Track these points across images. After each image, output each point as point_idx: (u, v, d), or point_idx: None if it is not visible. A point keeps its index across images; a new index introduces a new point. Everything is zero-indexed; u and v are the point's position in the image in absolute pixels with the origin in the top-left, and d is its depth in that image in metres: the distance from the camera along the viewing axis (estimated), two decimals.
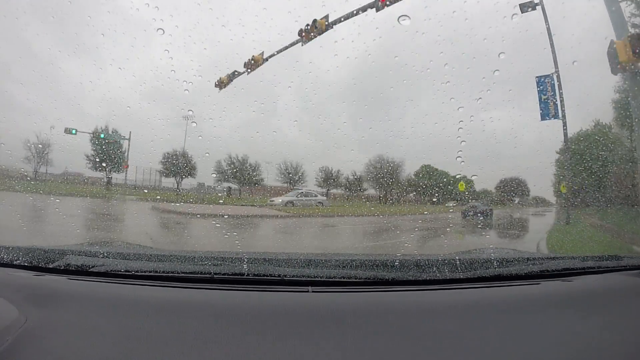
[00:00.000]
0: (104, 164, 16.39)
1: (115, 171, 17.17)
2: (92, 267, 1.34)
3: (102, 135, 15.65)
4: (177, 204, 11.56)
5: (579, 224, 10.91)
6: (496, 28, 5.71)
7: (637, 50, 4.51)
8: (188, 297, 1.19)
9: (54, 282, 1.27)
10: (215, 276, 1.28)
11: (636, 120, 5.32)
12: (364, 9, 7.70)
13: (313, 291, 1.24)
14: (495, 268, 1.44)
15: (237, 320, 1.05)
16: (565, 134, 9.38)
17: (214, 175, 17.23)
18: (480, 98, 4.70)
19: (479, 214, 12.47)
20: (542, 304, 1.23)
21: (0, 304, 1.03)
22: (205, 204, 11.61)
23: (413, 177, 18.45)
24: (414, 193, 17.39)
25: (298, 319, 1.06)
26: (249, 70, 8.76)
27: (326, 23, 8.17)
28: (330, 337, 0.98)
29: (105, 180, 17.24)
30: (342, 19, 8.05)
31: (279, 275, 1.28)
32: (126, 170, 17.17)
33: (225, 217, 6.93)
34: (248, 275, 1.28)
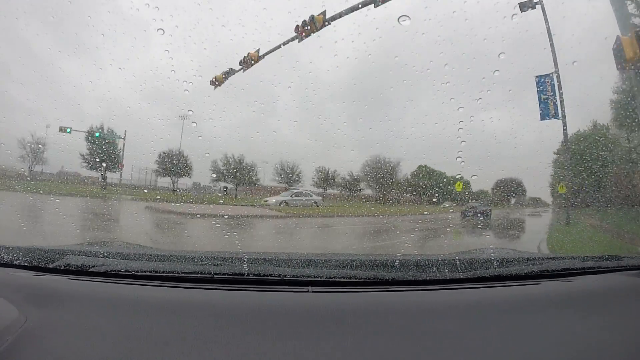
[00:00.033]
0: (99, 163, 16.30)
1: (110, 170, 17.11)
2: (92, 267, 1.33)
3: (97, 134, 15.55)
4: (175, 204, 11.53)
5: (579, 224, 10.92)
6: (496, 28, 5.72)
7: None
8: (188, 297, 1.19)
9: (54, 282, 1.27)
10: (215, 276, 1.28)
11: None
12: (364, 4, 7.68)
13: (313, 291, 1.24)
14: (496, 268, 1.44)
15: (237, 320, 1.05)
16: (565, 134, 9.39)
17: (213, 176, 17.20)
18: (480, 98, 4.71)
19: (478, 214, 12.48)
20: (542, 304, 1.23)
21: (0, 304, 1.03)
22: (203, 203, 11.60)
23: (409, 177, 18.44)
24: (412, 193, 17.34)
25: (298, 319, 1.06)
26: (244, 68, 8.71)
27: (324, 19, 8.11)
28: (330, 337, 0.98)
29: (101, 179, 17.17)
30: (342, 14, 7.99)
31: (279, 275, 1.28)
32: (121, 170, 17.11)
33: (225, 217, 6.92)
34: (248, 275, 1.28)
